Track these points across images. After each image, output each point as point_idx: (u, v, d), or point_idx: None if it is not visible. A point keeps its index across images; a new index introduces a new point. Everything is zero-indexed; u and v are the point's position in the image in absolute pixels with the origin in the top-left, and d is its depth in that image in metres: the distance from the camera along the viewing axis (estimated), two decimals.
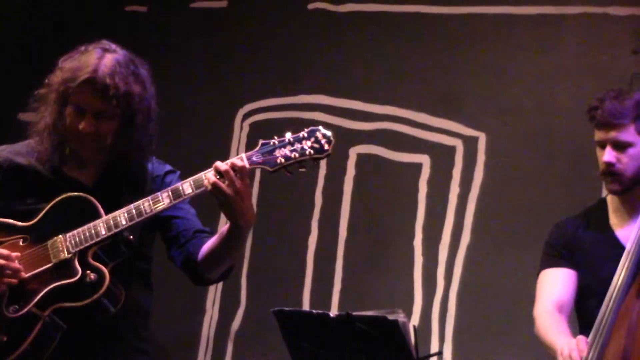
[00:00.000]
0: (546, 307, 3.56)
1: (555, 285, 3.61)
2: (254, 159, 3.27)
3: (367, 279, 5.48)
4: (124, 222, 3.31)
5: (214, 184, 3.19)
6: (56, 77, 3.43)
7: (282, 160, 3.27)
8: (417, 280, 5.38)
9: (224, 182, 3.19)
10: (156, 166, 3.60)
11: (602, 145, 3.50)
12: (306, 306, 5.52)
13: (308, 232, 5.66)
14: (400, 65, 5.61)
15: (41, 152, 3.48)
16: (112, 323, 3.41)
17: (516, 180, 5.28)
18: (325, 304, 5.47)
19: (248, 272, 5.74)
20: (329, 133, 3.30)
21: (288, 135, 3.28)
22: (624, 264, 3.23)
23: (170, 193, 3.30)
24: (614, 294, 3.19)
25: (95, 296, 3.27)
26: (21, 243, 3.41)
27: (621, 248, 3.39)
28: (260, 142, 3.30)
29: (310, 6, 5.86)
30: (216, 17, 6.05)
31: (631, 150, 3.44)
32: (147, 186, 3.51)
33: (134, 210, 3.31)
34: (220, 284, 5.76)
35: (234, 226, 3.30)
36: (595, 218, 3.67)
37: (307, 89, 5.78)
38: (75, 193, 3.40)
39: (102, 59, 3.38)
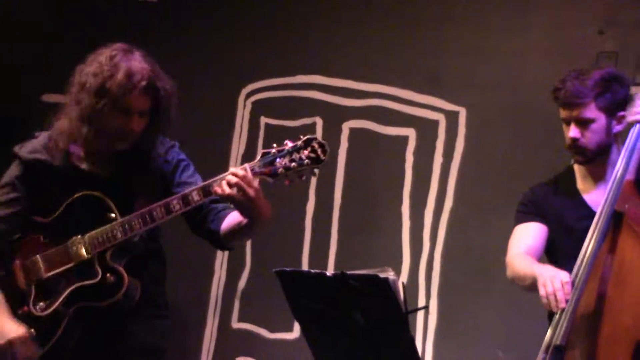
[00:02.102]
0: (516, 252, 3.57)
1: (526, 236, 3.62)
2: (256, 169, 3.28)
3: (360, 241, 5.48)
4: (138, 227, 3.31)
5: (228, 197, 3.21)
6: (96, 84, 3.31)
7: (282, 170, 3.28)
8: (405, 242, 5.38)
9: (236, 192, 3.20)
10: (171, 152, 3.57)
11: (567, 122, 3.50)
12: (305, 266, 5.53)
13: (306, 199, 5.65)
14: (388, 46, 5.57)
15: (59, 152, 3.44)
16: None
17: (493, 150, 5.25)
18: (322, 264, 5.49)
19: None
20: (324, 142, 3.31)
21: (285, 145, 3.29)
22: (596, 224, 3.22)
23: (181, 201, 3.28)
24: (588, 252, 3.18)
25: (115, 298, 3.30)
26: (42, 239, 3.42)
27: (589, 210, 3.41)
28: (261, 152, 3.31)
29: None
30: (220, 3, 6.03)
31: (593, 126, 3.45)
32: (159, 172, 3.50)
33: (147, 216, 3.30)
34: None
35: (252, 222, 3.34)
36: (564, 183, 3.68)
37: (304, 69, 5.75)
38: (91, 192, 3.38)
39: (142, 62, 3.34)
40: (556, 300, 3.11)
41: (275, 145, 3.32)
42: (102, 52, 3.38)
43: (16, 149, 3.53)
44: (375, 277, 3.70)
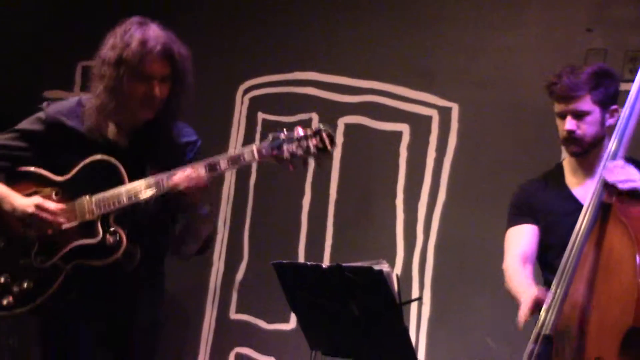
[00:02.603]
0: (512, 260, 3.58)
1: (520, 240, 3.62)
2: (264, 152, 3.29)
3: (355, 234, 5.49)
4: (142, 195, 3.32)
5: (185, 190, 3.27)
6: (115, 55, 3.36)
7: (288, 156, 3.28)
8: (399, 235, 5.38)
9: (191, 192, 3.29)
10: (183, 130, 3.60)
11: (562, 116, 3.51)
12: (301, 259, 5.53)
13: (302, 193, 5.65)
14: (382, 44, 5.57)
15: (91, 122, 3.45)
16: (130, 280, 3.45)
17: (485, 145, 5.25)
18: (318, 256, 5.48)
19: (249, 229, 5.75)
20: (332, 134, 3.30)
21: (296, 132, 3.29)
22: (584, 217, 3.22)
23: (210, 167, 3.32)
24: (576, 243, 3.19)
25: (112, 258, 3.31)
26: (54, 196, 3.42)
27: (577, 203, 3.41)
28: (271, 135, 3.32)
29: None
30: (218, 2, 6.03)
31: (589, 118, 3.46)
32: (174, 149, 3.53)
33: (153, 184, 3.32)
34: (224, 241, 5.78)
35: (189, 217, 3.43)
36: (553, 179, 3.68)
37: (301, 66, 5.75)
38: (106, 157, 3.40)
39: (156, 30, 3.39)
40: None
41: (285, 130, 3.32)
42: (119, 27, 3.42)
43: (44, 105, 3.55)
44: (370, 269, 3.72)
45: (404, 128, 5.47)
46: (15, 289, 3.34)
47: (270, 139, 3.31)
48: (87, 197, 3.37)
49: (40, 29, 6.34)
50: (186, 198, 3.32)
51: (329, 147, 3.29)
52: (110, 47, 3.38)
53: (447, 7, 5.45)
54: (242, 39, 5.86)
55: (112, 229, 3.33)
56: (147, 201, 3.36)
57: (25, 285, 3.34)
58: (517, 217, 3.68)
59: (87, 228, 3.35)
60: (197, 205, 3.39)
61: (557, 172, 3.69)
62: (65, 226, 3.36)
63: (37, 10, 6.37)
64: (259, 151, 3.30)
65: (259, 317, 5.62)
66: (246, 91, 5.88)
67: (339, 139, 5.58)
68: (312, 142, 3.28)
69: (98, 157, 3.41)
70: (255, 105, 5.84)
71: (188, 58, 3.46)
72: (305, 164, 3.33)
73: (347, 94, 5.61)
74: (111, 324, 3.51)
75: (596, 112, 3.46)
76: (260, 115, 5.82)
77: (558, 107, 3.52)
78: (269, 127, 5.76)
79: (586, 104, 3.45)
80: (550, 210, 3.59)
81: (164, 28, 3.44)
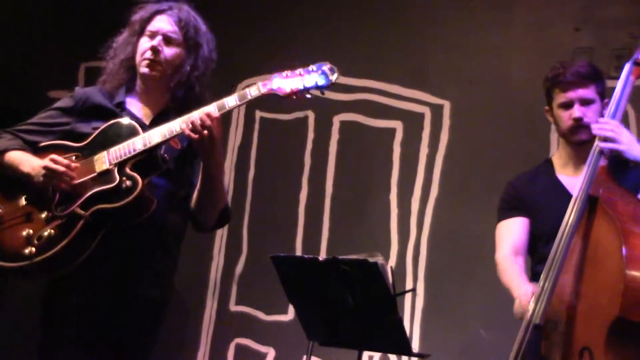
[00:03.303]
0: (505, 253, 3.59)
1: (511, 233, 3.63)
2: (268, 85, 3.38)
3: (350, 228, 5.48)
4: (156, 139, 3.33)
5: (199, 135, 3.26)
6: (130, 21, 3.54)
7: (292, 88, 3.38)
8: (393, 228, 5.38)
9: (206, 133, 3.26)
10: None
11: (568, 105, 3.49)
12: (298, 252, 5.53)
13: (299, 188, 5.65)
14: (376, 43, 5.59)
15: (109, 90, 3.54)
16: (148, 240, 3.43)
17: (476, 141, 5.26)
18: (315, 249, 5.48)
19: (248, 224, 5.75)
20: (333, 66, 3.38)
21: (298, 69, 3.38)
22: (572, 208, 3.22)
23: (199, 114, 3.31)
24: (565, 234, 3.19)
25: (130, 198, 3.28)
26: (74, 159, 3.42)
27: (567, 195, 3.39)
28: (275, 74, 3.40)
29: None
30: (218, 3, 6.01)
31: (593, 106, 3.47)
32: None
33: (166, 130, 3.33)
34: (224, 235, 5.78)
35: (206, 165, 3.37)
36: (543, 172, 3.69)
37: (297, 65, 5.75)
38: (123, 118, 3.45)
39: (177, 3, 3.55)
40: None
41: (287, 70, 3.39)
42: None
43: (77, 88, 3.63)
44: (365, 261, 3.73)
45: (398, 125, 5.47)
46: (37, 241, 3.31)
47: (275, 75, 3.40)
48: (105, 152, 3.38)
49: (43, 30, 6.33)
50: (196, 137, 3.29)
51: (329, 76, 3.38)
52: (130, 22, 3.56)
53: (439, 8, 5.47)
54: (240, 40, 5.85)
55: (128, 174, 3.32)
56: (165, 151, 3.39)
57: (46, 234, 3.31)
58: (508, 210, 3.67)
59: (105, 177, 3.35)
60: (212, 151, 3.34)
61: (547, 165, 3.69)
62: (83, 178, 3.36)
63: (40, 11, 6.36)
64: (264, 85, 3.38)
65: (258, 308, 5.61)
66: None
67: (335, 136, 5.59)
68: (315, 75, 3.39)
69: (115, 120, 3.45)
70: (253, 103, 5.76)
71: (203, 31, 3.57)
72: (308, 93, 3.41)
73: (342, 92, 5.59)
74: (111, 295, 3.44)
75: (598, 102, 3.48)
76: (258, 114, 5.82)
77: (564, 97, 3.50)
78: (266, 125, 5.77)
79: (592, 92, 3.46)
80: (540, 200, 3.59)
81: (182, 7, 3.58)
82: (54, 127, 3.54)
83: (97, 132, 3.45)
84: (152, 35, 3.50)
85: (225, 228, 5.76)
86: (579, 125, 3.46)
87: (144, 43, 3.50)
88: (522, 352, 3.15)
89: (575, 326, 3.11)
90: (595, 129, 3.32)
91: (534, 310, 3.15)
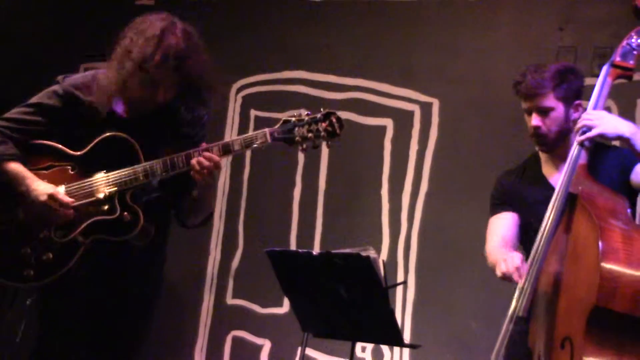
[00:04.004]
0: (494, 244, 3.60)
1: (501, 227, 3.64)
2: (276, 135, 3.30)
3: (343, 223, 5.50)
4: (159, 172, 3.31)
5: (200, 172, 3.28)
6: (134, 45, 3.32)
7: (299, 139, 3.30)
8: (384, 223, 5.41)
9: (206, 173, 3.29)
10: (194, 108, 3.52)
11: (529, 112, 3.51)
12: (293, 246, 5.53)
13: (293, 184, 5.67)
14: (367, 44, 5.61)
15: (99, 99, 3.41)
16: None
17: (464, 138, 5.29)
18: (309, 244, 5.49)
19: (244, 219, 5.76)
20: (341, 118, 3.35)
21: (306, 116, 3.33)
22: (553, 204, 3.25)
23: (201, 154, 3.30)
24: (546, 231, 3.22)
25: (130, 235, 3.30)
26: (70, 171, 3.39)
27: (552, 190, 3.38)
28: (282, 120, 3.34)
29: None
30: (214, 6, 6.03)
31: (553, 114, 3.46)
32: (183, 128, 3.47)
33: (169, 163, 3.30)
34: (221, 231, 5.77)
35: (201, 196, 3.40)
36: (530, 168, 3.70)
37: (290, 66, 5.76)
38: (122, 134, 3.36)
39: (177, 39, 3.31)
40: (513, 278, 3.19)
41: (295, 114, 3.36)
42: (149, 24, 3.37)
43: (60, 78, 3.52)
44: (358, 255, 3.73)
45: (388, 123, 5.50)
46: (35, 261, 3.30)
47: (282, 122, 3.33)
48: (103, 173, 3.34)
49: (43, 31, 6.31)
50: (199, 177, 3.29)
51: (338, 130, 3.33)
52: (138, 45, 3.31)
53: (427, 9, 5.49)
54: (235, 41, 5.84)
55: (129, 206, 3.31)
56: (161, 180, 3.36)
57: (44, 258, 3.30)
58: (498, 206, 3.69)
59: (105, 203, 3.32)
60: (210, 184, 3.37)
61: (534, 160, 3.71)
62: (82, 201, 3.32)
63: (40, 13, 6.35)
64: (271, 134, 3.30)
65: (254, 302, 5.61)
66: (239, 90, 5.87)
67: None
68: (322, 126, 3.31)
69: (114, 133, 3.37)
70: (248, 103, 5.83)
71: (203, 65, 3.39)
72: (315, 147, 3.34)
73: (334, 91, 5.63)
74: (103, 290, 3.46)
75: (560, 107, 3.46)
76: (253, 113, 5.82)
77: (524, 104, 3.53)
78: (261, 123, 5.78)
79: (549, 100, 3.45)
80: (527, 196, 3.60)
81: (187, 34, 3.37)
82: (31, 125, 3.43)
83: (93, 143, 3.38)
84: (156, 85, 3.33)
85: (222, 224, 5.77)
86: (538, 134, 3.49)
87: (147, 89, 3.33)
88: (506, 343, 3.20)
89: (557, 317, 3.14)
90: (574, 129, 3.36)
91: (517, 303, 3.20)
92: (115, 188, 3.32)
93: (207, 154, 3.30)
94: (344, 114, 5.47)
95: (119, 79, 3.34)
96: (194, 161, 3.28)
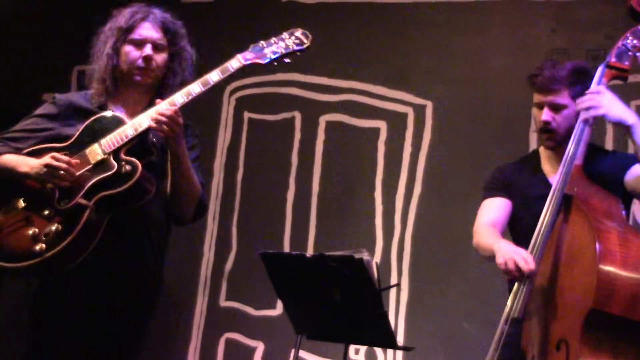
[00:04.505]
0: (482, 221, 3.59)
1: (492, 209, 3.63)
2: (248, 56, 3.47)
3: (336, 225, 5.49)
4: (146, 122, 3.34)
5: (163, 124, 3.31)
6: (111, 26, 3.52)
7: (271, 55, 3.47)
8: (378, 225, 5.39)
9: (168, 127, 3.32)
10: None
11: (540, 106, 3.49)
12: (287, 249, 5.51)
13: (287, 187, 5.65)
14: (360, 46, 5.59)
15: (94, 94, 3.52)
16: (136, 233, 3.45)
17: (458, 140, 5.28)
18: (302, 246, 5.48)
19: (237, 222, 5.74)
20: (306, 31, 3.51)
21: (273, 38, 3.49)
22: (549, 204, 3.23)
23: (185, 96, 3.40)
24: (541, 232, 3.20)
25: (132, 181, 3.30)
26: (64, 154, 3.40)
27: (550, 188, 3.36)
28: (251, 45, 3.50)
29: None
30: (205, 10, 6.01)
31: (565, 111, 3.44)
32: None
33: (152, 111, 3.35)
34: (214, 233, 5.76)
35: (174, 157, 3.42)
36: (530, 164, 3.68)
37: (284, 68, 5.68)
38: (109, 113, 3.45)
39: (152, 7, 3.54)
40: (520, 269, 3.15)
41: (262, 41, 3.51)
42: (123, 9, 3.59)
43: (56, 94, 3.62)
44: (351, 257, 3.73)
45: (382, 125, 5.49)
46: (44, 237, 3.28)
47: (250, 47, 3.49)
48: (96, 144, 3.38)
49: (37, 33, 6.30)
50: (161, 134, 3.35)
51: (305, 40, 3.50)
52: (109, 22, 3.55)
53: (420, 11, 5.48)
54: (227, 44, 5.83)
55: (125, 160, 3.33)
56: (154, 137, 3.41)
57: (53, 228, 3.29)
58: (492, 190, 3.67)
59: (102, 167, 3.34)
60: (174, 151, 3.40)
61: (534, 157, 3.69)
62: (80, 171, 3.34)
63: (33, 14, 6.35)
64: (243, 56, 3.45)
65: (248, 304, 5.60)
66: (232, 92, 5.86)
67: (321, 136, 5.60)
68: (290, 40, 3.50)
69: (100, 114, 3.45)
70: (241, 105, 5.83)
71: (184, 33, 3.59)
72: (287, 58, 3.51)
73: (327, 94, 5.63)
74: (102, 287, 3.44)
75: (572, 106, 3.42)
76: (246, 115, 5.82)
77: (537, 98, 3.50)
78: (254, 125, 5.78)
79: (563, 98, 3.43)
80: (524, 191, 3.58)
81: (161, 10, 3.58)
82: (40, 132, 3.51)
83: (81, 129, 3.44)
84: (140, 44, 3.49)
85: (215, 226, 5.76)
86: (547, 129, 3.47)
87: (133, 52, 3.49)
88: (502, 345, 3.18)
89: (553, 319, 3.13)
90: (578, 104, 3.32)
91: (512, 305, 3.18)
92: (108, 149, 3.36)
93: (160, 110, 3.34)
94: (337, 116, 5.61)
95: (107, 60, 3.49)
96: (152, 118, 3.34)
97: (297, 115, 5.66)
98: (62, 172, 3.30)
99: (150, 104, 3.49)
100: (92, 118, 3.44)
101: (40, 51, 6.22)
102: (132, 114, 3.50)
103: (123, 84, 3.55)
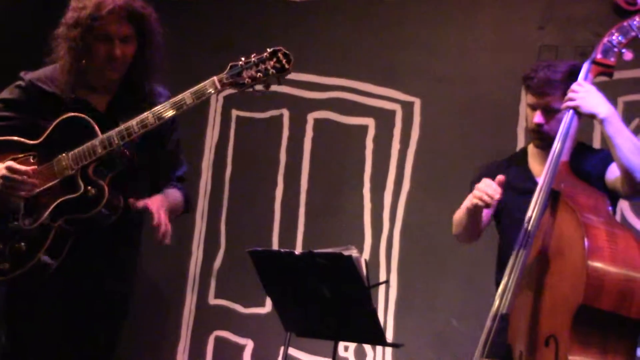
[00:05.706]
0: (462, 207, 3.57)
1: None
2: (225, 80, 3.26)
3: (325, 222, 5.49)
4: (116, 141, 3.24)
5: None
6: (73, 17, 3.32)
7: (249, 80, 3.26)
8: (366, 222, 5.40)
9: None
10: (157, 90, 3.52)
11: (534, 108, 3.46)
12: (275, 246, 5.51)
13: (275, 184, 5.65)
14: (348, 43, 5.58)
15: (60, 82, 3.38)
16: (110, 235, 3.38)
17: (445, 137, 5.28)
18: (291, 243, 5.48)
19: (226, 219, 5.74)
20: (288, 53, 3.30)
21: (253, 57, 3.28)
22: (536, 200, 3.22)
23: (155, 117, 3.25)
24: (529, 226, 3.19)
25: (97, 209, 3.23)
26: (31, 160, 3.33)
27: (536, 185, 3.35)
28: (230, 65, 3.29)
29: None
30: (194, 4, 5.99)
31: (558, 115, 3.40)
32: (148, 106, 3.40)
33: (124, 130, 3.25)
34: (203, 231, 5.75)
35: None
36: (517, 161, 3.67)
37: None
38: (75, 114, 3.32)
39: None
40: (489, 195, 3.20)
41: (243, 58, 3.30)
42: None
43: (22, 73, 3.49)
44: (340, 254, 3.73)
45: (370, 122, 5.49)
46: (9, 253, 3.24)
47: (229, 68, 3.28)
48: (64, 154, 3.29)
49: (30, 31, 6.27)
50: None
51: (286, 65, 3.28)
52: (70, 10, 3.36)
53: (409, 8, 5.47)
54: (215, 41, 5.84)
55: (93, 180, 3.25)
56: (121, 149, 3.30)
57: (16, 247, 3.25)
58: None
59: (68, 183, 3.26)
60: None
61: (522, 155, 3.69)
62: (47, 185, 3.27)
63: (27, 12, 6.32)
64: (219, 80, 3.26)
65: (236, 301, 5.60)
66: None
67: (309, 133, 5.60)
68: (270, 64, 3.27)
69: (69, 115, 3.33)
70: (229, 102, 5.81)
71: (152, 17, 3.39)
72: (267, 87, 3.30)
73: (315, 91, 5.62)
74: (76, 290, 3.41)
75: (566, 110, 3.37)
76: (234, 112, 5.80)
77: (530, 99, 3.47)
78: (242, 123, 5.77)
79: (558, 102, 3.38)
80: (510, 187, 3.51)
81: None
82: (2, 121, 3.41)
83: (51, 127, 3.34)
84: (108, 39, 3.32)
85: (204, 224, 5.76)
86: (539, 131, 3.44)
87: (101, 48, 3.33)
88: (490, 341, 3.17)
89: (541, 315, 3.13)
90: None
91: (500, 301, 3.18)
92: (76, 165, 3.28)
93: (157, 220, 3.30)
94: (325, 114, 5.60)
95: (68, 51, 3.33)
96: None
97: (285, 113, 5.66)
98: (20, 185, 3.23)
99: (119, 87, 3.42)
100: (63, 118, 3.34)
101: (25, 47, 6.18)
102: (104, 99, 3.43)
103: (91, 74, 3.43)
